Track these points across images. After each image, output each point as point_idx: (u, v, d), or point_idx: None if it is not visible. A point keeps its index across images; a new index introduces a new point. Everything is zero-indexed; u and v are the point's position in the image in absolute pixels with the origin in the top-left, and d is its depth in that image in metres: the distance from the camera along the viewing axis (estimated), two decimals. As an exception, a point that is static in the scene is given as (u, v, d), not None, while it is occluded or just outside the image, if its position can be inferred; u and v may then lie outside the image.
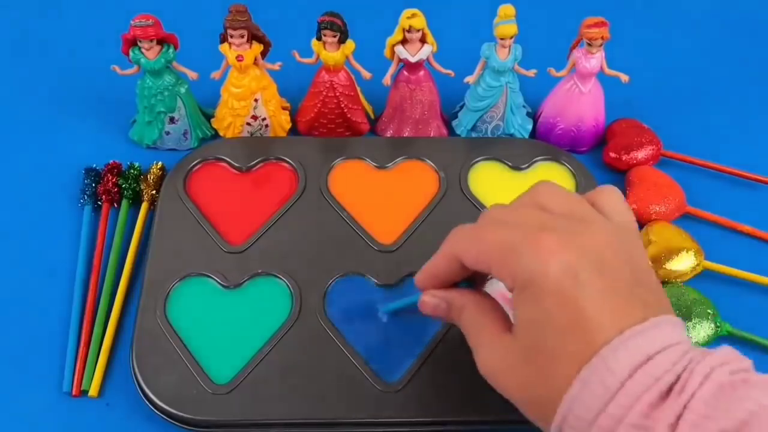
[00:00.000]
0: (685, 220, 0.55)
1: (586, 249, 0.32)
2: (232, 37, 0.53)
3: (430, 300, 0.39)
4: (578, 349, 0.31)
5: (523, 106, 0.60)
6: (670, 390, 0.29)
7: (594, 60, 0.55)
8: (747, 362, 0.30)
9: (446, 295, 0.38)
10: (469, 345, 0.37)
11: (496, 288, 0.40)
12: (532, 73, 0.56)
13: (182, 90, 0.57)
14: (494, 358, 0.35)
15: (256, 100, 0.56)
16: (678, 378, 0.29)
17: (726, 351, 0.30)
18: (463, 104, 0.59)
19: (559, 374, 0.31)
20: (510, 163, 0.57)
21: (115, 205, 0.55)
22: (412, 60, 0.55)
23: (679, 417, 0.28)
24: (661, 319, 0.31)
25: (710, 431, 0.27)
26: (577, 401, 0.30)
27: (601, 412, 0.29)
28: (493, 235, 0.34)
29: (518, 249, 0.33)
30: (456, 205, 0.54)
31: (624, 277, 0.32)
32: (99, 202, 0.55)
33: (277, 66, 0.56)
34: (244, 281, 0.49)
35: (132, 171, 0.55)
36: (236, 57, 0.54)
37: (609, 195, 0.37)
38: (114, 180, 0.55)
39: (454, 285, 0.39)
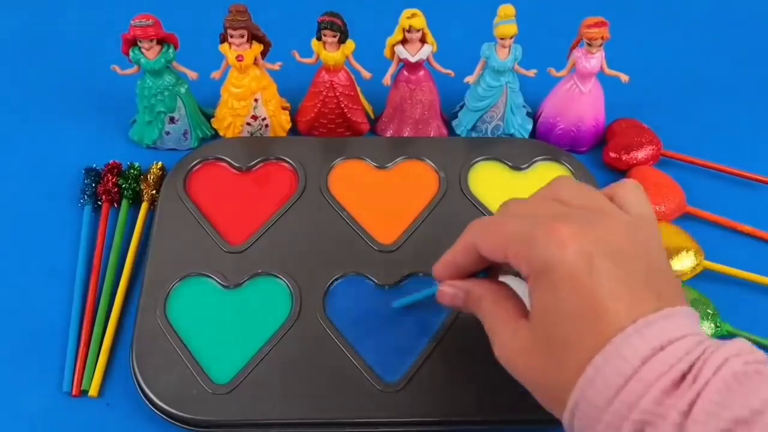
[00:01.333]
0: (685, 220, 0.55)
1: (601, 238, 0.33)
2: (232, 37, 0.53)
3: (448, 290, 0.40)
4: (591, 336, 0.31)
5: (523, 106, 0.60)
6: (683, 378, 0.29)
7: (594, 60, 0.55)
8: (761, 354, 0.30)
9: (464, 285, 0.39)
10: (487, 333, 0.37)
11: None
12: (532, 73, 0.56)
13: (182, 90, 0.57)
14: (510, 345, 0.35)
15: (256, 100, 0.56)
16: (691, 366, 0.29)
17: (740, 343, 0.30)
18: (463, 104, 0.59)
19: (572, 361, 0.31)
20: (510, 163, 0.57)
21: (115, 205, 0.55)
22: (412, 60, 0.55)
23: (692, 404, 0.28)
24: (675, 310, 0.31)
25: (723, 419, 0.27)
26: (590, 387, 0.30)
27: (614, 398, 0.29)
28: (511, 224, 0.35)
29: (534, 237, 0.33)
30: (456, 205, 0.54)
31: (639, 267, 0.32)
32: (99, 202, 0.55)
33: (277, 66, 0.56)
34: (244, 281, 0.49)
35: (132, 171, 0.55)
36: (236, 57, 0.54)
37: (628, 188, 0.37)
38: (114, 180, 0.55)
39: (471, 276, 0.40)
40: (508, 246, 0.35)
